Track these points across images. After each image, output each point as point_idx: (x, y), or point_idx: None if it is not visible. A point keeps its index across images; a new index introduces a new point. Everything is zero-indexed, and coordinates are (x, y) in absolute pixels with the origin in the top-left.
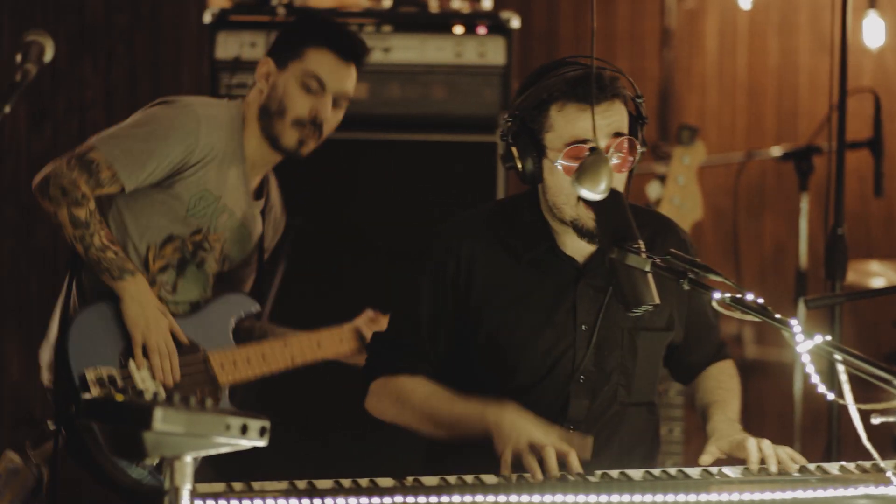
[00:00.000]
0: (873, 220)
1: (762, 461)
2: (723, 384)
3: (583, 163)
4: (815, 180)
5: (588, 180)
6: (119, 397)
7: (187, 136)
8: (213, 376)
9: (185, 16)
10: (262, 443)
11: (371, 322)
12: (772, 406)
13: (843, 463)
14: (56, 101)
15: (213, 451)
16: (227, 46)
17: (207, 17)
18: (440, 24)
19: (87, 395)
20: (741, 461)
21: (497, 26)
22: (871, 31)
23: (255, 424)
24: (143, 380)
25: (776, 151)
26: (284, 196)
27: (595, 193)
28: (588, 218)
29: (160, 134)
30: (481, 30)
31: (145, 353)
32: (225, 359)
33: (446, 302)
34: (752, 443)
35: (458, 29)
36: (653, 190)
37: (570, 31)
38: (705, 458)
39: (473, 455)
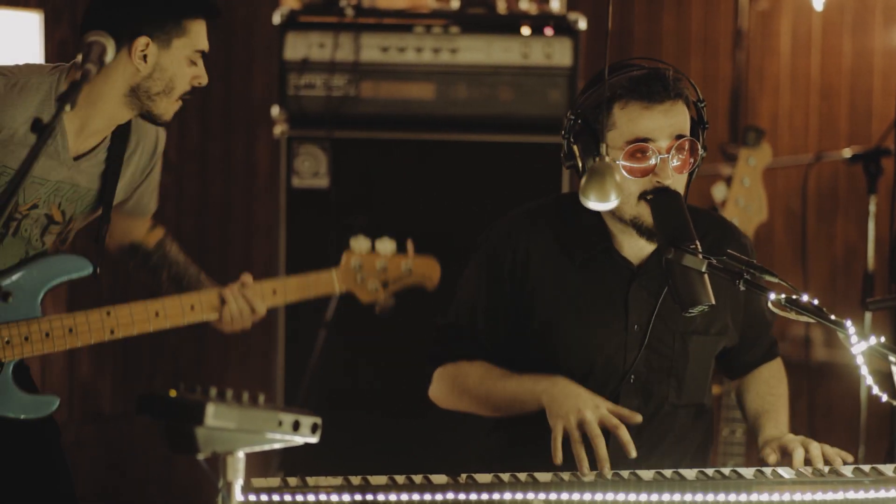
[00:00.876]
0: None
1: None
2: (773, 389)
3: (588, 172)
4: (884, 182)
5: (594, 191)
6: (172, 393)
7: None
8: None
9: (257, 16)
10: (313, 439)
11: (242, 287)
12: (840, 409)
13: None
14: None
15: (265, 447)
16: (296, 47)
17: (277, 19)
18: (507, 25)
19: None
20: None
21: (564, 28)
22: None
23: (307, 421)
24: None
25: (845, 153)
26: (350, 195)
27: (603, 204)
28: (648, 216)
29: None
30: (548, 31)
31: None
32: (14, 332)
33: (502, 293)
34: (799, 452)
35: (526, 30)
36: (718, 191)
37: (644, 31)
38: (772, 459)
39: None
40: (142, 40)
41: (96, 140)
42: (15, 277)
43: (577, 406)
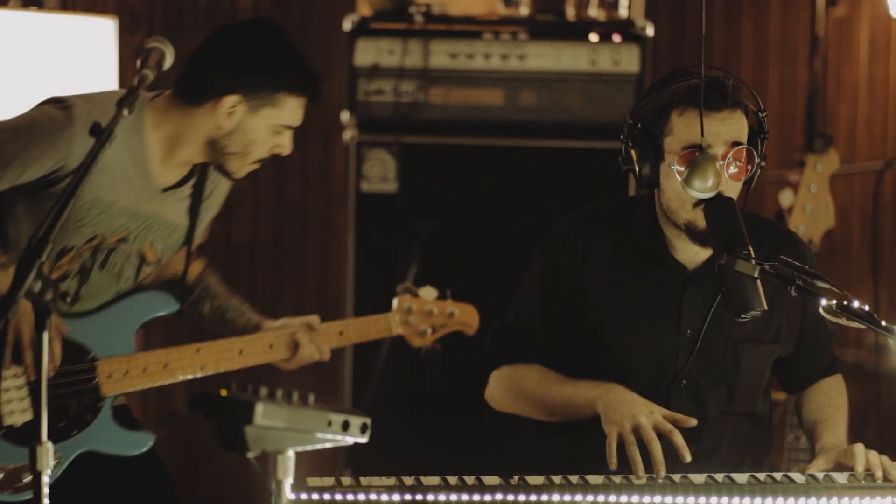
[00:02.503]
0: None
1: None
2: (833, 401)
3: (691, 161)
4: None
5: (697, 177)
6: (223, 392)
7: (58, 142)
8: (95, 385)
9: (334, 24)
10: (363, 439)
11: (309, 330)
12: None
13: None
14: None
15: (315, 446)
16: (366, 53)
17: (347, 25)
18: (576, 31)
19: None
20: (849, 468)
21: (632, 34)
22: None
23: (356, 421)
24: (8, 389)
25: None
26: (418, 200)
27: (704, 192)
28: (702, 221)
29: (34, 134)
30: (616, 38)
31: (16, 359)
32: (115, 367)
33: (559, 293)
34: (860, 448)
35: (594, 37)
36: (785, 198)
37: (723, 37)
38: (815, 467)
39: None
40: (232, 98)
41: (178, 174)
42: (111, 313)
43: (632, 412)
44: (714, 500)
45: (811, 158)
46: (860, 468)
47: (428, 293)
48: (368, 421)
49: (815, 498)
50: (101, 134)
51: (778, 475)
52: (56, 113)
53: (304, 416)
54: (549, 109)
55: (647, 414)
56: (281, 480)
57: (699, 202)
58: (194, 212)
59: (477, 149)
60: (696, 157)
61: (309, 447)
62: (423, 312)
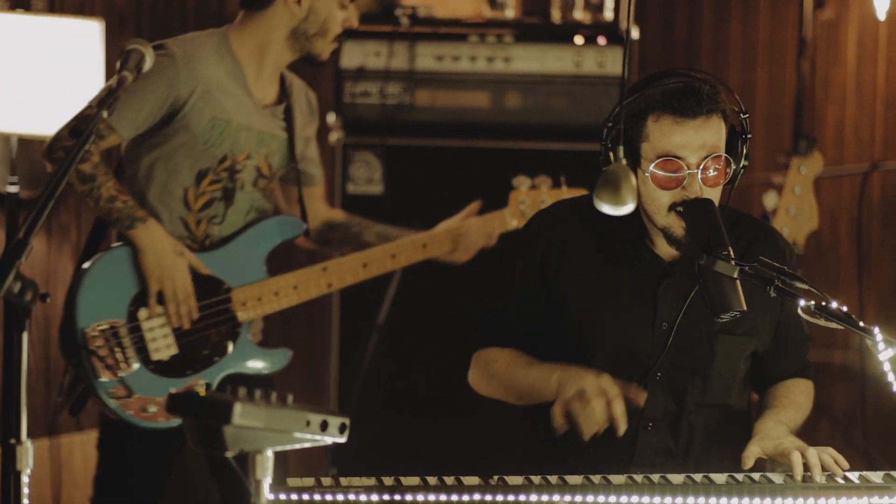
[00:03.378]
0: None
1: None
2: (791, 395)
3: (601, 176)
4: None
5: (606, 194)
6: (201, 392)
7: (166, 72)
8: (232, 314)
9: None
10: (341, 439)
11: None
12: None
13: None
14: None
15: (294, 446)
16: (352, 55)
17: None
18: (561, 34)
19: (172, 390)
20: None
21: (617, 37)
22: None
23: (335, 421)
24: (151, 328)
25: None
26: (404, 202)
27: (617, 209)
28: (678, 227)
29: (142, 78)
30: (601, 40)
31: (161, 300)
32: (248, 294)
33: (536, 281)
34: (795, 454)
35: (579, 39)
36: (769, 199)
37: (711, 40)
38: (748, 462)
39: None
40: None
41: (272, 87)
42: (240, 242)
43: (580, 383)
44: (692, 500)
45: (795, 160)
46: (797, 477)
47: (544, 181)
48: (347, 421)
49: (791, 498)
50: (80, 136)
51: (756, 475)
52: (155, 57)
53: (282, 416)
54: (535, 111)
55: (593, 381)
56: (259, 480)
57: (674, 207)
58: (290, 128)
59: (462, 151)
60: (605, 170)
61: (288, 447)
62: (537, 202)
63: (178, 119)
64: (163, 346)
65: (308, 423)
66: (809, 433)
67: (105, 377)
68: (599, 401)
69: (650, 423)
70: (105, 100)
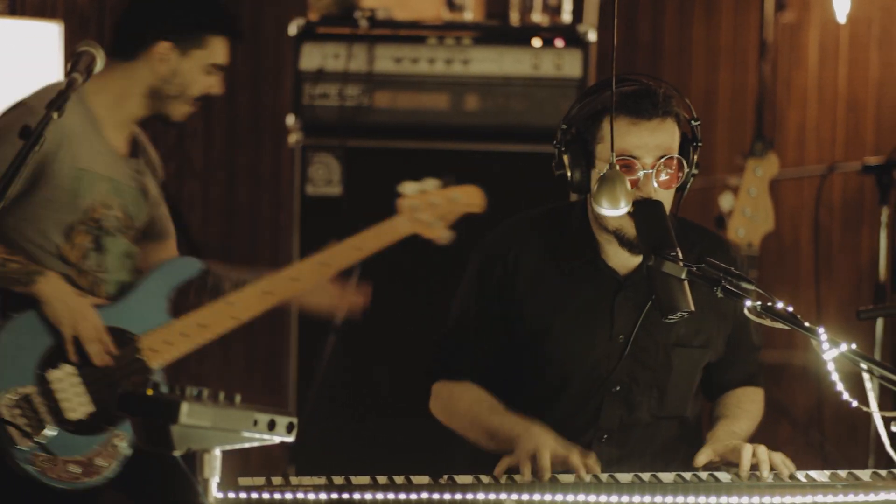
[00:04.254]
0: None
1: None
2: (742, 404)
3: (600, 178)
4: None
5: (606, 197)
6: (149, 391)
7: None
8: (143, 363)
9: (284, 28)
10: (289, 438)
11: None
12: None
13: (874, 470)
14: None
15: (242, 445)
16: (312, 57)
17: (293, 30)
18: (519, 36)
19: (120, 391)
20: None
21: (574, 39)
22: None
23: (282, 420)
24: (63, 389)
25: (858, 165)
26: (363, 203)
27: (615, 210)
28: (631, 228)
29: (3, 137)
30: (559, 43)
31: (77, 346)
32: (156, 339)
33: (493, 305)
34: (746, 448)
35: (537, 42)
36: (725, 201)
37: (675, 42)
38: (699, 459)
39: None
40: (163, 44)
41: (124, 139)
42: (139, 291)
43: (537, 442)
44: (637, 498)
45: (751, 162)
46: (744, 470)
47: (431, 183)
48: (294, 420)
49: (736, 496)
50: (30, 136)
51: (704, 474)
52: (13, 111)
53: (229, 415)
54: (494, 113)
55: (550, 443)
56: (207, 479)
57: None
58: (143, 182)
59: (421, 152)
60: (603, 174)
61: (235, 446)
62: (428, 205)
63: (44, 175)
64: (77, 405)
65: (255, 423)
66: (770, 435)
67: (23, 445)
68: (546, 452)
69: (605, 434)
70: (55, 102)
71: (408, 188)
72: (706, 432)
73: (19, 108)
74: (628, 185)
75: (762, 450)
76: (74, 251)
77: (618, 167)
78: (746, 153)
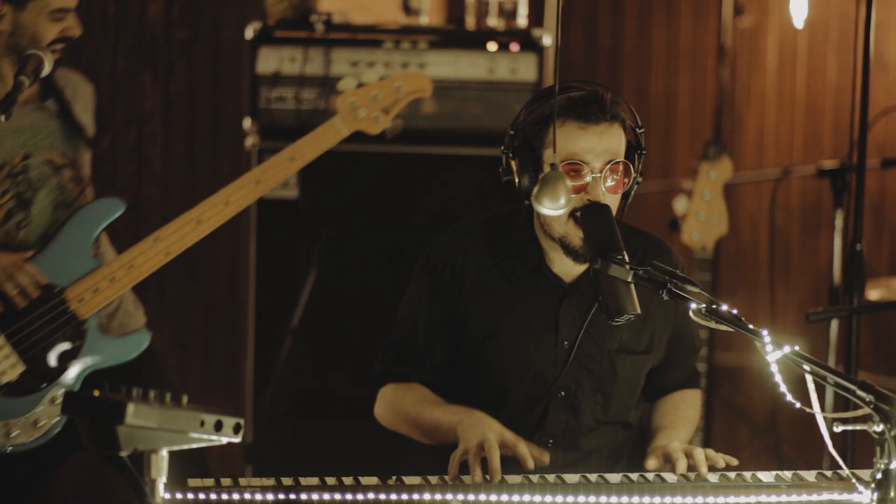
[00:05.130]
0: None
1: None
2: (679, 411)
3: (541, 179)
4: (869, 197)
5: (547, 197)
6: (95, 392)
7: None
8: (72, 314)
9: (244, 32)
10: (236, 439)
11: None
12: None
13: (819, 471)
14: (115, 112)
15: (189, 446)
16: (268, 61)
17: (249, 33)
18: (474, 41)
19: (66, 390)
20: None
21: (529, 44)
22: None
23: (229, 421)
24: None
25: (812, 169)
26: (319, 206)
27: (555, 210)
28: (576, 237)
29: None
30: (514, 47)
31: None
32: (83, 288)
33: (440, 310)
34: (679, 451)
35: (492, 46)
36: (679, 205)
37: (635, 47)
38: (650, 464)
39: None
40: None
41: (31, 90)
42: (61, 240)
43: (483, 431)
44: (582, 499)
45: (704, 166)
46: (679, 471)
47: (370, 75)
48: (241, 421)
49: (680, 497)
50: None
51: (650, 475)
52: None
53: (175, 416)
54: (450, 117)
55: (496, 432)
56: (154, 479)
57: (573, 213)
58: (66, 114)
59: (377, 156)
60: (545, 175)
61: (181, 446)
62: (369, 99)
63: None
64: (7, 367)
65: (202, 424)
66: (729, 438)
67: None
68: (496, 453)
69: (551, 439)
70: (2, 104)
71: (345, 83)
72: (646, 437)
73: None
74: (569, 186)
75: (698, 451)
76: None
77: (566, 171)
78: (699, 157)
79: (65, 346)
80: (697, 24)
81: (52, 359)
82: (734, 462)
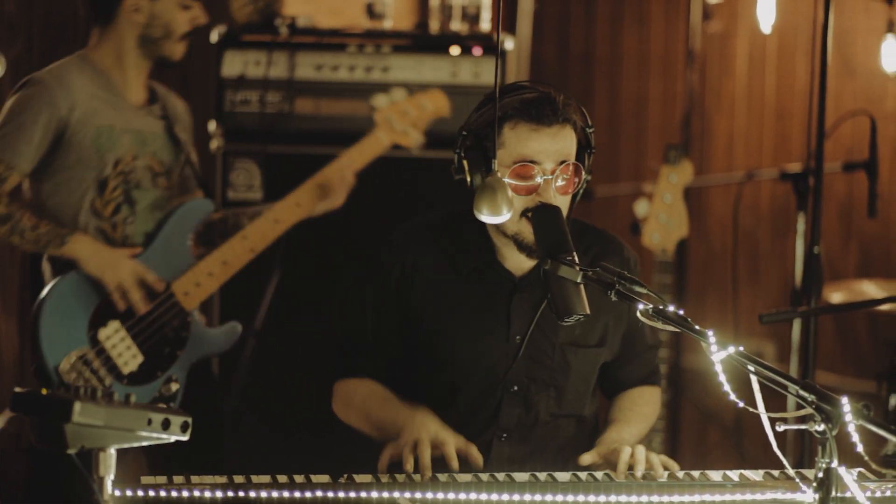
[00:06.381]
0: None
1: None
2: (637, 406)
3: (479, 187)
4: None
5: (486, 205)
6: (43, 391)
7: (42, 98)
8: (179, 307)
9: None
10: (184, 437)
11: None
12: None
13: (767, 470)
14: None
15: (137, 444)
16: (233, 64)
17: (214, 37)
18: (437, 44)
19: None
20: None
21: (492, 48)
22: (889, 55)
23: (177, 420)
24: (115, 345)
25: (774, 172)
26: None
27: (495, 218)
28: (529, 233)
29: (19, 110)
30: (477, 51)
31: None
32: (187, 283)
33: (391, 307)
34: (625, 450)
35: (455, 50)
36: (640, 208)
37: (607, 53)
38: (584, 460)
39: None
40: None
41: (141, 91)
42: (163, 238)
43: (418, 430)
44: (528, 497)
45: (664, 169)
46: (620, 471)
47: (400, 93)
48: (189, 420)
49: (625, 496)
50: None
51: (599, 473)
52: (24, 90)
53: (122, 414)
54: None
55: (431, 432)
56: (103, 477)
57: (524, 213)
58: (170, 127)
59: None
60: (483, 183)
61: (129, 445)
62: (401, 114)
63: (66, 138)
64: (129, 358)
65: (150, 422)
66: (699, 440)
67: None
68: (427, 450)
69: (504, 433)
70: None
71: (379, 100)
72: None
73: (35, 85)
74: (509, 195)
75: (640, 450)
76: (108, 206)
77: (517, 172)
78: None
79: (174, 336)
80: (668, 28)
81: (165, 349)
82: (675, 467)
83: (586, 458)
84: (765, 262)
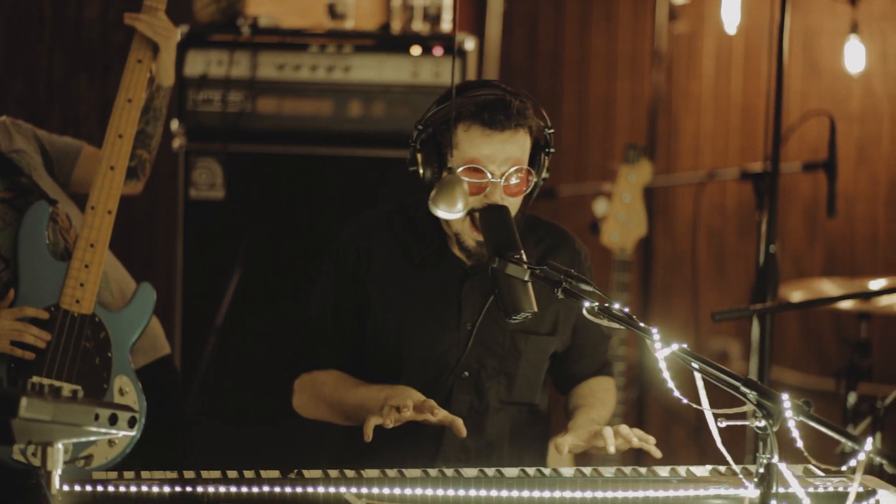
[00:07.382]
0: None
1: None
2: (597, 394)
3: (439, 184)
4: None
5: (443, 201)
6: None
7: None
8: (80, 316)
9: None
10: (132, 432)
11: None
12: None
13: (714, 466)
14: (52, 114)
15: (85, 439)
16: (195, 63)
17: (177, 36)
18: (398, 45)
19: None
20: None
21: (452, 48)
22: (853, 56)
23: (124, 415)
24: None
25: (735, 172)
26: (245, 207)
27: (451, 213)
28: (469, 237)
29: None
30: (437, 51)
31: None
32: (72, 291)
33: (348, 297)
34: (607, 430)
35: (416, 50)
36: (599, 207)
37: (576, 53)
38: (562, 444)
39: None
40: None
41: None
42: (23, 265)
43: (405, 397)
44: (474, 492)
45: (623, 169)
46: (611, 449)
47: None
48: (136, 415)
49: (579, 491)
50: None
51: (547, 469)
52: None
53: (69, 409)
54: (376, 120)
55: (416, 398)
56: (50, 472)
57: (470, 213)
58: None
59: (304, 158)
60: (442, 179)
61: (77, 440)
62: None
63: None
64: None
65: (97, 417)
66: (664, 439)
67: None
68: (409, 410)
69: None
70: None
71: None
72: (559, 424)
73: None
74: (466, 191)
75: (624, 427)
76: None
77: (466, 174)
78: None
79: (94, 344)
80: (636, 29)
81: (95, 360)
82: (651, 440)
83: (566, 443)
84: (731, 261)
